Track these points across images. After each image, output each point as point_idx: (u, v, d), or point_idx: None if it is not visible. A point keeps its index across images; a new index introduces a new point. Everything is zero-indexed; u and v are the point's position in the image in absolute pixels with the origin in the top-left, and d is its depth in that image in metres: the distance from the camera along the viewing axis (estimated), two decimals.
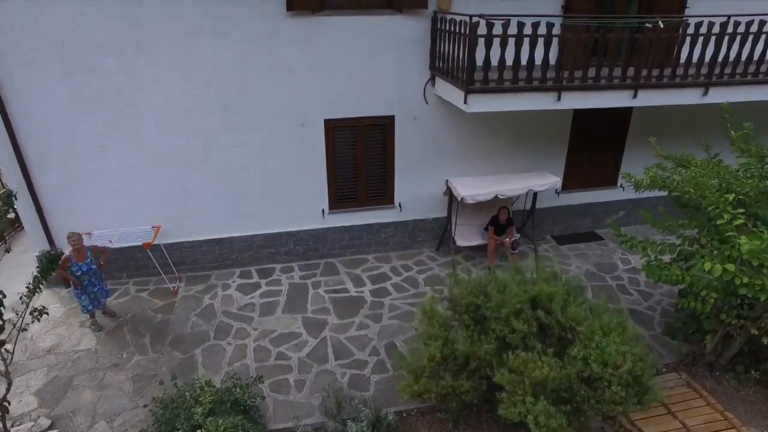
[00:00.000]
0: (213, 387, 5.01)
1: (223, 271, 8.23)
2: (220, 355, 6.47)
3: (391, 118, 7.79)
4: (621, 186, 9.21)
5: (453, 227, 8.14)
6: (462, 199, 7.18)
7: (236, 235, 8.05)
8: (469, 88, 6.40)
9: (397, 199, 8.39)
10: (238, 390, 5.08)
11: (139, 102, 6.88)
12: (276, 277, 8.13)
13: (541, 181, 7.50)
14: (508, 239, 8.02)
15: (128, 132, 7.02)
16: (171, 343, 6.65)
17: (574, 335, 4.77)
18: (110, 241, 7.03)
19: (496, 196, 7.25)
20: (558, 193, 8.95)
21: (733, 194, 4.84)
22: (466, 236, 8.18)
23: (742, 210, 4.84)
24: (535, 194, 8.04)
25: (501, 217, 8.06)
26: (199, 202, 7.68)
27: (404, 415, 5.73)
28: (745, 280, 4.69)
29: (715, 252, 5.08)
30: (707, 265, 4.79)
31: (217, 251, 8.10)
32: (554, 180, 7.48)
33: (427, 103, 7.77)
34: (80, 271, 6.45)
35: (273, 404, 5.74)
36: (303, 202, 8.05)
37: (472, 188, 7.42)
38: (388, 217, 8.45)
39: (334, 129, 7.68)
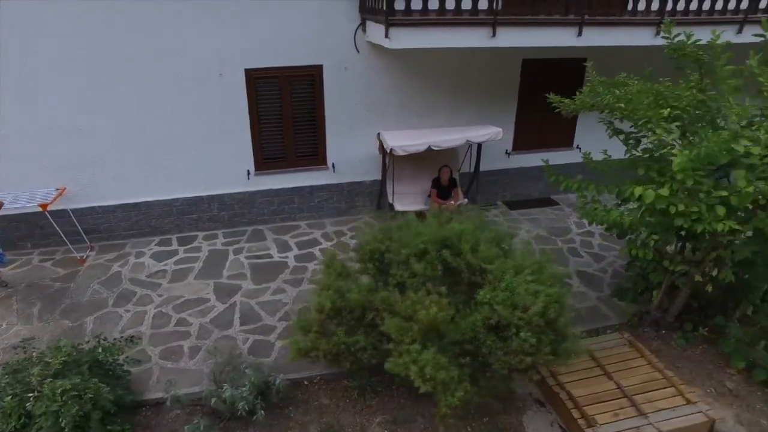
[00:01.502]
0: (73, 349, 4.38)
1: (141, 239, 7.56)
2: (113, 322, 5.81)
3: (319, 68, 7.15)
4: (578, 147, 8.59)
5: (390, 190, 7.50)
6: (391, 150, 6.54)
7: (153, 199, 7.38)
8: (390, 20, 5.79)
9: (330, 160, 7.75)
10: (100, 351, 4.44)
11: (30, 56, 6.25)
12: (197, 244, 7.48)
13: (480, 132, 6.86)
14: (452, 202, 7.38)
15: (23, 90, 6.39)
16: (62, 312, 5.99)
17: (484, 278, 4.13)
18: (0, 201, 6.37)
19: (429, 147, 6.60)
20: (508, 154, 8.33)
21: (669, 109, 4.20)
22: (406, 200, 7.52)
23: (677, 123, 4.21)
24: (479, 153, 7.40)
25: (443, 177, 7.41)
26: (111, 164, 7.02)
27: (305, 383, 5.08)
28: (681, 207, 4.05)
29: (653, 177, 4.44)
30: (637, 191, 4.14)
31: (133, 218, 7.44)
32: (494, 131, 6.84)
33: (358, 51, 7.14)
34: None
35: (159, 372, 5.08)
36: (226, 163, 7.40)
37: (403, 140, 6.78)
38: (320, 179, 7.81)
39: (257, 80, 7.04)
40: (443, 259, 4.21)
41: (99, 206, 7.24)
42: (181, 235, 7.68)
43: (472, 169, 7.84)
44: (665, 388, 4.76)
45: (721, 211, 3.94)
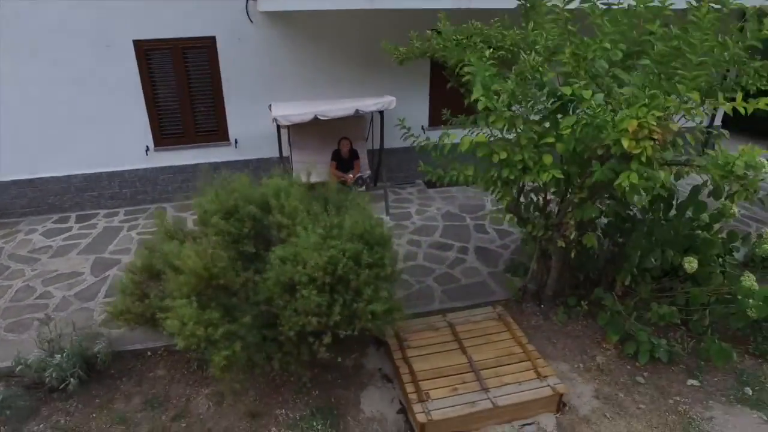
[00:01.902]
0: None
1: (38, 217, 7.40)
2: None
3: (212, 40, 6.92)
4: None
5: (290, 163, 7.22)
6: (274, 120, 6.26)
7: (49, 175, 7.22)
8: None
9: (232, 136, 7.51)
10: None
11: None
12: (95, 221, 7.29)
13: (371, 101, 6.54)
14: (351, 175, 7.07)
15: None
16: None
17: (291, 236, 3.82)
18: None
19: (315, 117, 6.30)
20: (424, 130, 7.99)
21: (492, 48, 3.84)
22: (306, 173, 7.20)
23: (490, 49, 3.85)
24: (382, 126, 7.07)
25: (342, 150, 7.12)
26: (3, 138, 6.87)
27: (148, 354, 4.82)
28: (502, 155, 3.69)
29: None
30: (465, 141, 3.79)
31: (29, 195, 7.28)
32: (387, 100, 6.51)
33: (251, 21, 6.89)
34: None
35: None
36: (124, 138, 7.20)
37: (289, 110, 6.50)
38: (224, 155, 7.56)
39: (148, 52, 6.83)
40: (253, 217, 3.92)
41: None
42: (81, 213, 7.51)
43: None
44: (520, 362, 4.39)
45: (547, 159, 3.57)
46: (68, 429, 4.05)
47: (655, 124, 2.93)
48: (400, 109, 6.75)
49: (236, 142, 7.52)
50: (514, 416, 4.11)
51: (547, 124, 3.94)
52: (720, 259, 4.96)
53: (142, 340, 4.86)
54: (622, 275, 4.93)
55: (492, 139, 4.08)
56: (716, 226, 4.90)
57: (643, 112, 2.96)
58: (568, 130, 3.40)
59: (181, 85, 7.07)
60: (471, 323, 4.91)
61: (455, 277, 5.81)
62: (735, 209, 4.86)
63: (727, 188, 3.71)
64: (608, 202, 4.62)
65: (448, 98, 7.63)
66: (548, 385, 4.13)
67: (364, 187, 7.19)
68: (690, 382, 4.44)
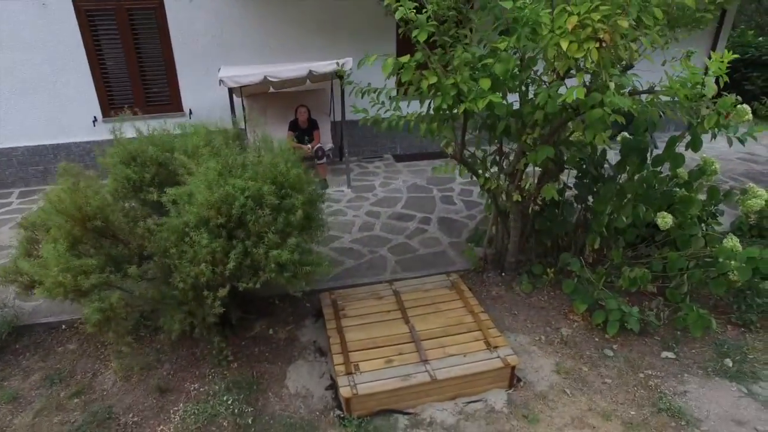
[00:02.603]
0: None
1: None
2: None
3: (159, 1, 6.48)
4: None
5: (246, 131, 6.74)
6: (221, 81, 5.79)
7: None
8: None
9: (186, 106, 7.05)
10: None
11: None
12: (38, 197, 6.85)
13: (326, 62, 6.05)
14: (310, 146, 6.58)
15: None
16: None
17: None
18: None
19: (265, 77, 5.81)
20: (392, 99, 7.47)
21: None
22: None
23: None
24: (343, 95, 6.55)
25: (300, 119, 6.63)
26: None
27: (63, 327, 4.31)
28: (432, 79, 3.18)
29: None
30: (389, 62, 3.29)
31: None
32: (343, 61, 6.02)
33: None
34: None
35: None
36: (68, 108, 6.75)
37: (238, 71, 6.03)
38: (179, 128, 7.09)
39: (89, 13, 6.39)
40: (156, 161, 3.43)
41: None
42: (26, 189, 7.06)
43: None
44: (469, 332, 3.86)
45: (485, 83, 3.06)
46: None
47: (600, 20, 2.42)
48: (365, 77, 6.24)
49: (190, 112, 7.07)
50: (459, 392, 3.57)
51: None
52: (703, 225, 4.43)
53: (57, 313, 4.39)
54: (591, 238, 4.40)
55: None
56: (696, 184, 4.36)
57: (586, 7, 2.44)
58: (505, 44, 2.89)
59: (128, 50, 6.63)
60: (420, 291, 4.39)
61: (412, 247, 5.29)
62: (717, 165, 4.33)
63: (697, 120, 3.17)
64: (570, 149, 4.08)
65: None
66: (498, 357, 3.60)
67: (324, 159, 6.71)
68: (664, 354, 3.89)
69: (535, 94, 3.59)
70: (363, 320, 4.01)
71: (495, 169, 4.47)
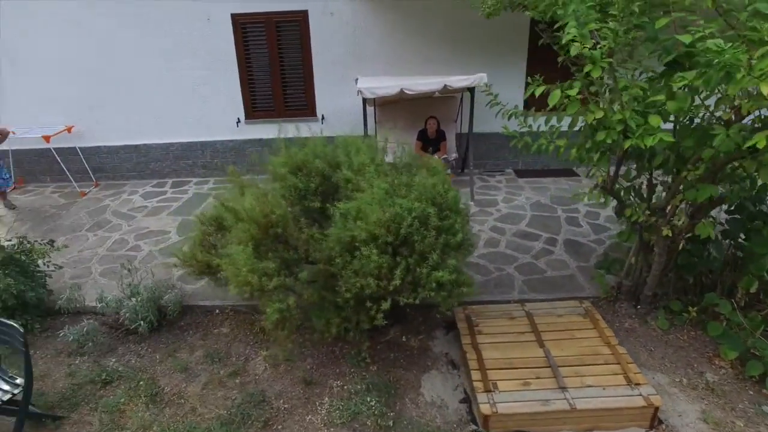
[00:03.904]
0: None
1: (141, 181, 7.99)
2: (78, 242, 6.14)
3: (305, 14, 6.97)
4: None
5: (377, 141, 7.03)
6: (359, 92, 6.11)
7: (152, 142, 7.74)
8: None
9: (319, 111, 7.52)
10: (18, 250, 4.64)
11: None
12: (186, 188, 7.69)
13: (461, 77, 6.14)
14: (437, 155, 6.74)
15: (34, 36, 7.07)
16: (44, 231, 6.47)
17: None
18: (13, 132, 7.07)
19: (402, 91, 6.05)
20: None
21: None
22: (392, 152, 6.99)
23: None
24: (472, 106, 6.63)
25: (429, 129, 6.80)
26: (115, 105, 7.49)
27: (216, 311, 4.87)
28: (598, 114, 3.15)
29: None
30: (556, 94, 3.30)
31: (134, 159, 7.86)
32: (477, 77, 6.07)
33: None
34: None
35: (92, 284, 5.22)
36: (217, 110, 7.52)
37: (375, 82, 6.32)
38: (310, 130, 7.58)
39: (244, 25, 7.05)
40: (321, 173, 3.76)
41: (104, 146, 7.76)
42: (177, 180, 7.97)
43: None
44: (607, 364, 3.79)
45: (655, 120, 2.99)
46: (136, 368, 4.19)
47: None
48: (493, 90, 6.28)
49: (323, 117, 7.53)
50: (596, 425, 3.52)
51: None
52: None
53: (211, 298, 4.96)
54: (746, 281, 4.09)
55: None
56: None
57: None
58: (684, 82, 2.80)
59: (273, 58, 7.22)
60: (553, 316, 4.36)
61: (539, 268, 5.26)
62: None
63: None
64: (732, 186, 3.83)
65: (548, 79, 6.95)
66: (640, 394, 3.50)
67: (449, 171, 6.83)
68: None
69: (705, 130, 3.43)
70: (497, 339, 4.08)
71: (636, 199, 4.31)
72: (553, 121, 3.95)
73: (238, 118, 7.56)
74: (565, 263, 5.35)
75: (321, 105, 7.48)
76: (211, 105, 7.47)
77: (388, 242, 3.10)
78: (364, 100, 6.53)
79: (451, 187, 3.57)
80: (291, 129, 7.42)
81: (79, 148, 7.68)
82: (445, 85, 6.09)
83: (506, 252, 5.56)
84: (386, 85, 6.16)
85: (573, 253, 5.53)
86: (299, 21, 7.00)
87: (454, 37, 7.07)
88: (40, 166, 7.81)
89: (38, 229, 6.54)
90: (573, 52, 2.94)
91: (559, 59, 4.10)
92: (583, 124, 3.66)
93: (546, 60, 6.11)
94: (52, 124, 7.43)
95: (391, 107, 7.25)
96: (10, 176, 7.13)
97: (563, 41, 3.07)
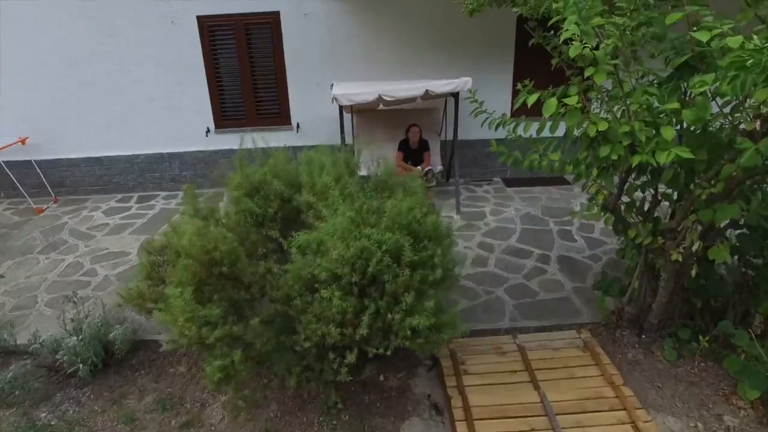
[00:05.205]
0: None
1: (104, 195, 7.42)
2: (27, 266, 5.57)
3: (276, 15, 6.46)
4: None
5: (355, 152, 6.53)
6: (334, 99, 5.61)
7: (115, 154, 7.19)
8: None
9: (294, 119, 7.01)
10: None
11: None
12: (154, 203, 7.14)
13: (443, 82, 5.67)
14: (420, 167, 6.26)
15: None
16: None
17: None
18: None
19: (379, 96, 5.56)
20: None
21: None
22: (371, 164, 6.49)
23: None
24: (456, 113, 6.15)
25: (412, 139, 6.31)
26: (71, 116, 6.93)
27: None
28: (601, 126, 2.68)
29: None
30: (550, 103, 2.82)
31: (97, 173, 7.30)
32: (461, 81, 5.60)
33: None
34: None
35: (35, 317, 4.67)
36: (184, 119, 6.98)
37: (352, 88, 5.82)
38: (285, 140, 6.91)
39: (210, 28, 6.53)
40: (280, 195, 3.25)
41: (64, 158, 7.20)
42: (143, 194, 7.42)
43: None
44: (612, 410, 3.32)
45: (668, 132, 2.52)
46: (73, 422, 3.64)
47: None
48: (479, 96, 5.81)
49: (298, 126, 7.03)
50: None
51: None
52: None
53: (167, 331, 4.42)
54: (765, 306, 3.65)
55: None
56: None
57: None
58: (705, 87, 2.35)
59: (243, 64, 6.70)
60: (548, 350, 3.89)
61: (532, 289, 4.79)
62: None
63: None
64: (748, 204, 3.38)
65: (538, 83, 6.47)
66: None
67: (434, 183, 6.37)
68: None
69: (719, 141, 2.98)
70: (486, 380, 3.60)
71: (639, 217, 3.85)
72: (546, 131, 3.48)
73: (208, 128, 7.03)
74: (559, 284, 4.88)
75: (296, 112, 6.98)
76: (178, 114, 6.93)
77: (354, 282, 2.60)
78: (341, 108, 6.03)
79: (431, 209, 3.09)
80: (263, 138, 6.97)
81: (35, 161, 7.11)
82: (427, 91, 5.61)
83: (495, 272, 5.08)
84: (363, 91, 5.66)
85: (568, 272, 5.06)
86: (271, 23, 6.49)
87: (437, 38, 6.60)
88: None
89: None
90: (573, 52, 2.46)
91: (553, 61, 3.65)
92: (580, 132, 3.20)
93: (536, 62, 5.68)
94: (5, 135, 6.85)
95: (369, 115, 6.76)
96: None
97: (560, 40, 2.60)
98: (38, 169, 7.15)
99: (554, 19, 2.68)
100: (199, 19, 6.45)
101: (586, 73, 2.57)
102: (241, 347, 2.69)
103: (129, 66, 6.67)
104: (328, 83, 6.62)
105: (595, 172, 3.22)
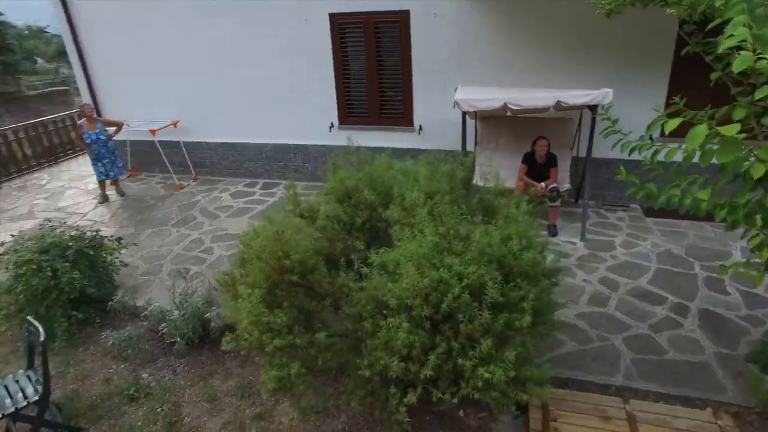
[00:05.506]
0: (71, 237, 4.70)
1: (235, 179, 8.05)
2: (160, 237, 6.22)
3: (406, 14, 6.30)
4: None
5: (476, 156, 6.12)
6: (456, 104, 5.26)
7: (247, 141, 7.73)
8: None
9: (416, 121, 6.82)
10: (87, 243, 4.67)
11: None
12: (275, 190, 7.55)
13: (579, 92, 4.97)
14: (544, 184, 5.64)
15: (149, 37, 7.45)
16: (137, 221, 6.73)
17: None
18: (127, 124, 7.48)
19: (505, 104, 5.07)
20: (653, 139, 5.96)
21: None
22: (489, 175, 6.02)
23: None
24: (593, 128, 5.40)
25: (539, 153, 5.68)
26: (213, 104, 7.64)
27: None
28: None
29: None
30: (699, 131, 2.20)
31: (230, 157, 7.93)
32: (600, 92, 4.83)
33: None
34: (89, 139, 7.05)
35: (157, 285, 5.16)
36: (310, 113, 7.21)
37: (475, 93, 5.41)
38: (405, 141, 6.91)
39: (341, 26, 6.61)
40: (370, 205, 3.06)
41: (205, 142, 7.94)
42: (268, 181, 7.89)
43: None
44: None
45: None
46: (166, 388, 3.94)
47: None
48: (622, 111, 5.03)
49: (420, 128, 6.84)
50: None
51: None
52: None
53: None
54: None
55: None
56: None
57: None
58: None
59: (370, 62, 6.69)
60: (667, 429, 3.17)
61: (658, 345, 3.99)
62: None
63: None
64: None
65: (698, 97, 5.42)
66: None
67: (558, 202, 5.72)
68: None
69: None
70: None
71: None
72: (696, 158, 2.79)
73: (332, 123, 7.18)
74: (697, 344, 4.00)
75: (419, 114, 6.78)
76: (305, 108, 7.20)
77: (426, 316, 2.31)
78: (464, 113, 5.69)
79: (532, 243, 2.65)
80: (384, 138, 6.93)
81: (182, 142, 7.95)
82: (559, 102, 4.99)
83: (616, 315, 4.35)
84: (487, 97, 5.24)
85: (711, 332, 4.13)
86: (400, 22, 6.37)
87: (575, 43, 5.86)
88: (151, 157, 8.24)
89: (133, 219, 6.82)
90: (739, 66, 1.86)
91: (713, 76, 2.94)
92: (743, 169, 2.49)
93: (700, 76, 4.72)
94: (162, 119, 7.76)
95: (494, 122, 6.28)
96: (123, 165, 7.59)
97: (720, 49, 1.99)
98: (184, 150, 7.98)
99: (715, 22, 2.06)
100: (331, 16, 6.58)
101: (758, 95, 1.93)
102: (301, 359, 2.56)
103: (264, 61, 7.08)
104: (453, 86, 6.31)
105: (758, 221, 2.48)
